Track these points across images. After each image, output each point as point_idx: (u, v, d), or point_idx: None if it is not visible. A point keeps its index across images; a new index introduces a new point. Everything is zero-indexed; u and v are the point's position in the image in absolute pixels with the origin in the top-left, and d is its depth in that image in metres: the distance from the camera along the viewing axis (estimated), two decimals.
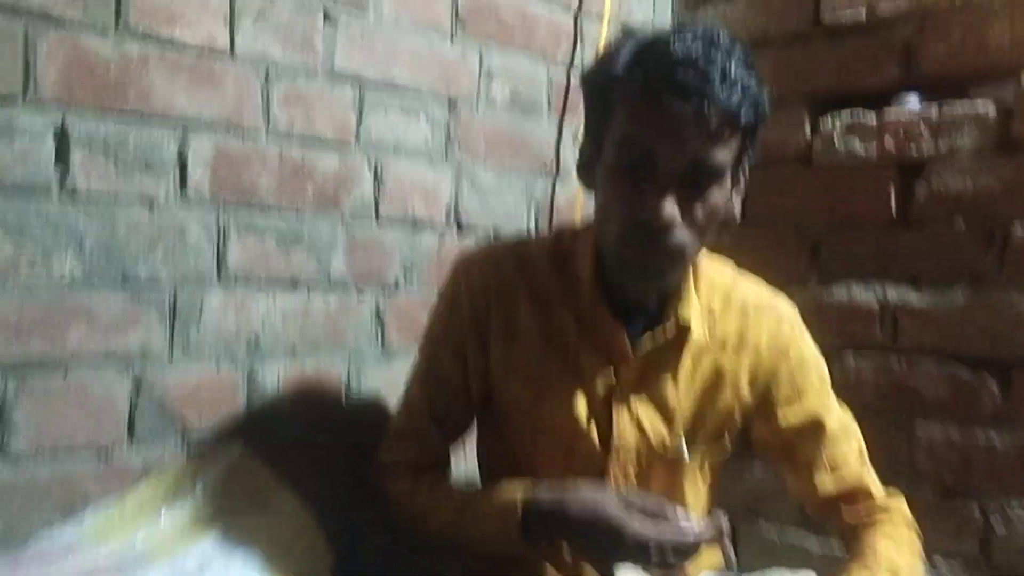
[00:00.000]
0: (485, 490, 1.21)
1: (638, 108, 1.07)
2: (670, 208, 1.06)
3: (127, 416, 1.27)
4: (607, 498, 1.11)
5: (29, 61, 1.16)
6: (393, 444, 1.29)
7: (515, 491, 1.15)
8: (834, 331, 1.73)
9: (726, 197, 1.12)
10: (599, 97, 1.14)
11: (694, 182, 1.08)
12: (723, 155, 1.07)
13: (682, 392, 1.23)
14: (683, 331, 1.21)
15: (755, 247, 1.78)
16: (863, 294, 1.77)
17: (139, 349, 1.27)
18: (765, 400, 1.27)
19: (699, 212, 1.09)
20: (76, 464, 1.22)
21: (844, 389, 1.60)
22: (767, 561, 1.50)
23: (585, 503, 1.10)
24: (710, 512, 1.36)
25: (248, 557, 1.16)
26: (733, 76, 1.04)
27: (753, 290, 1.29)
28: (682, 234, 1.09)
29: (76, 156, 1.21)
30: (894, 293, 1.73)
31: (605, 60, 1.13)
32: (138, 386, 1.27)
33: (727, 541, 1.13)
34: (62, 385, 1.20)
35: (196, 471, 1.28)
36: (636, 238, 1.10)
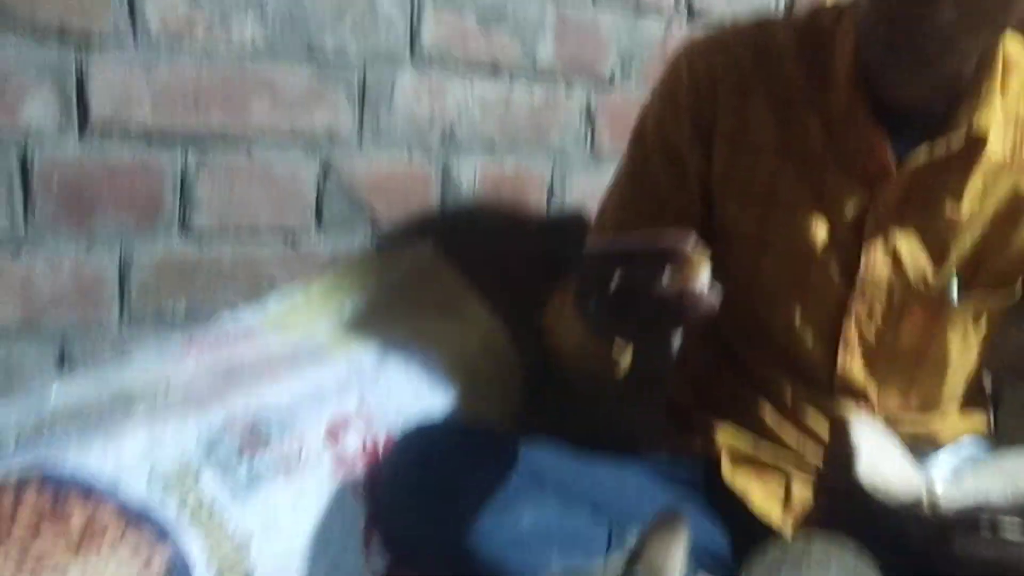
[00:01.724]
0: None
1: None
2: None
3: (314, 201, 1.18)
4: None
5: None
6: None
7: None
8: None
9: None
10: None
11: None
12: None
13: (963, 221, 0.98)
14: (975, 144, 0.96)
15: None
16: None
17: (326, 130, 1.17)
18: None
19: None
20: (261, 247, 1.16)
21: None
22: None
23: None
24: (979, 373, 1.12)
25: (431, 360, 1.07)
26: None
27: None
28: (949, 12, 0.84)
29: None
30: None
31: None
32: (326, 170, 1.18)
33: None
34: (245, 162, 1.13)
35: (384, 266, 1.20)
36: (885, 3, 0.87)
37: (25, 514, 0.73)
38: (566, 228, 1.36)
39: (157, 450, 0.83)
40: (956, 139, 0.95)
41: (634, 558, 0.71)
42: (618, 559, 0.70)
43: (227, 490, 0.84)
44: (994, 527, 0.83)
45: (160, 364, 0.98)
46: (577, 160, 1.37)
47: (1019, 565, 0.82)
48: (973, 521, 0.84)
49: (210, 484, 0.83)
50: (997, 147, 0.96)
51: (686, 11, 1.42)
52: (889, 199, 0.98)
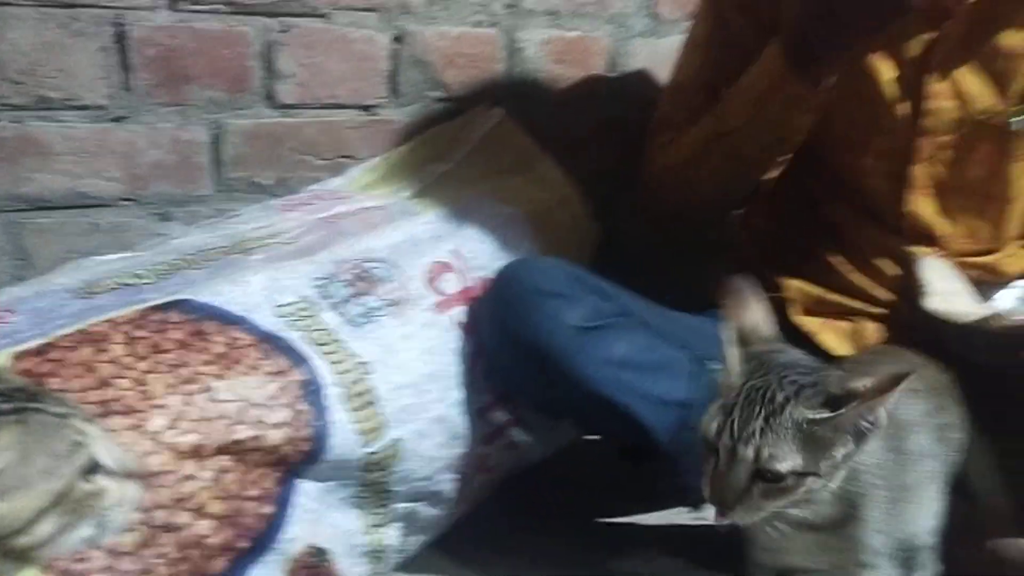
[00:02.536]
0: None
1: None
2: None
3: (389, 70, 1.22)
4: None
5: None
6: (660, 140, 1.15)
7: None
8: None
9: None
10: None
11: None
12: None
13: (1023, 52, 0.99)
14: None
15: None
16: None
17: (398, 1, 1.20)
18: None
19: None
20: (342, 117, 1.20)
21: None
22: None
23: None
24: None
25: (512, 213, 1.12)
26: None
27: None
28: None
29: None
30: None
31: None
32: (399, 40, 1.21)
33: None
34: (324, 33, 1.16)
35: (458, 132, 1.23)
36: None
37: (174, 334, 0.79)
38: (628, 94, 1.38)
39: (278, 290, 0.89)
40: None
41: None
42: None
43: (344, 324, 0.90)
44: None
45: (265, 219, 1.03)
46: (638, 27, 1.38)
47: None
48: None
49: (329, 319, 0.90)
50: None
51: None
52: (952, 34, 1.00)
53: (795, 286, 1.12)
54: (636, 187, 1.20)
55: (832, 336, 1.09)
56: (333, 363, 0.86)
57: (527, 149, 1.22)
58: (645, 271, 1.36)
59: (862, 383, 0.66)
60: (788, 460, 0.65)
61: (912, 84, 1.02)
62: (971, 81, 1.01)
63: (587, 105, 1.36)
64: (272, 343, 0.84)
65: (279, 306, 0.88)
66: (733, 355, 0.70)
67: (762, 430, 0.66)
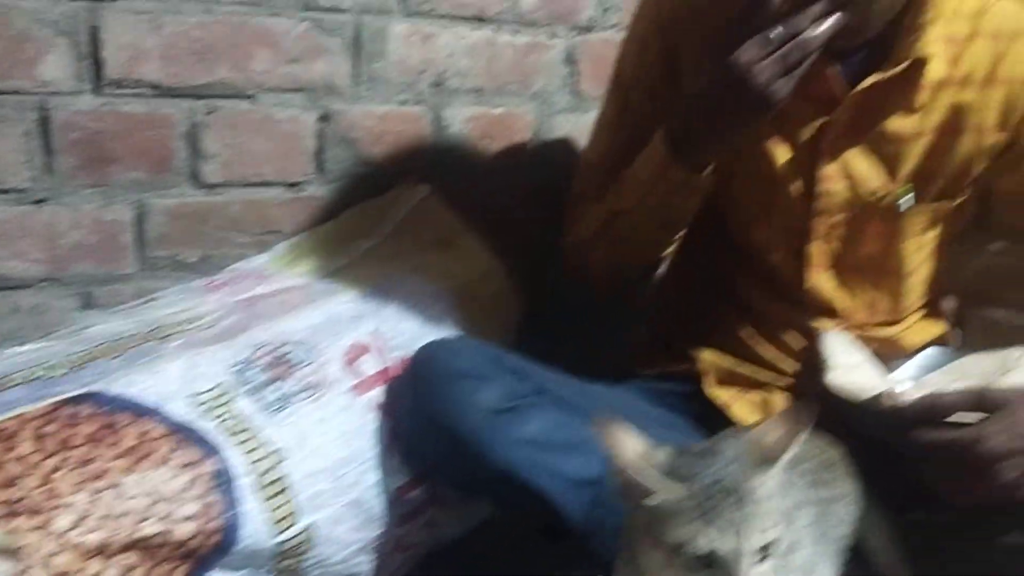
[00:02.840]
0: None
1: None
2: None
3: (315, 149, 1.25)
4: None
5: None
6: (575, 213, 1.19)
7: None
8: None
9: None
10: None
11: None
12: None
13: (909, 136, 1.05)
14: (916, 65, 1.02)
15: None
16: None
17: (324, 81, 1.23)
18: (1017, 144, 1.06)
19: None
20: (267, 195, 1.22)
21: None
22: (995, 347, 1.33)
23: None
24: (939, 283, 1.21)
25: (434, 291, 1.14)
26: None
27: (1012, 11, 1.05)
28: None
29: None
30: None
31: None
32: (325, 120, 1.24)
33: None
34: (250, 114, 1.19)
35: (383, 208, 1.26)
36: None
37: (85, 428, 0.80)
38: (553, 163, 1.42)
39: (194, 377, 0.91)
40: (899, 62, 1.01)
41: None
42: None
43: (260, 411, 0.91)
44: (945, 413, 0.92)
45: (186, 302, 1.04)
46: (561, 102, 1.43)
47: (972, 447, 0.90)
48: (927, 410, 0.92)
49: (244, 405, 0.91)
50: (936, 65, 1.02)
51: None
52: (841, 120, 1.05)
53: (707, 358, 1.16)
54: (562, 254, 1.24)
55: (743, 408, 1.13)
56: (247, 452, 0.87)
57: (451, 224, 1.26)
58: (570, 337, 1.40)
59: (771, 440, 0.72)
60: (772, 528, 0.69)
61: (805, 166, 1.07)
62: (860, 164, 1.06)
63: (513, 176, 1.40)
64: (185, 433, 0.85)
65: (195, 394, 0.89)
66: (650, 474, 0.71)
67: (746, 517, 0.68)
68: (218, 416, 0.89)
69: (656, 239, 1.17)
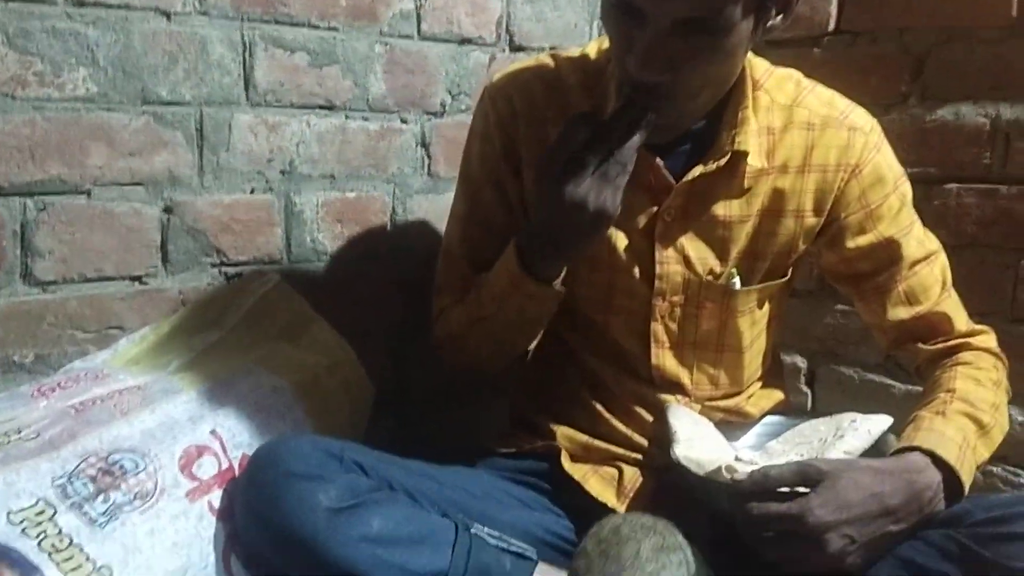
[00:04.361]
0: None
1: None
2: (656, 64, 0.96)
3: (159, 241, 1.23)
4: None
5: None
6: (440, 306, 1.22)
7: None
8: (936, 156, 1.54)
9: (740, 35, 0.97)
10: None
11: (688, 32, 0.94)
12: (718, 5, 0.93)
13: (735, 220, 1.12)
14: (738, 156, 1.09)
15: (850, 62, 1.59)
16: (972, 114, 1.56)
17: (167, 173, 1.22)
18: (833, 224, 1.14)
19: (702, 58, 0.97)
20: (108, 290, 1.19)
21: (943, 220, 1.45)
22: (846, 404, 1.39)
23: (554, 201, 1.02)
24: (774, 354, 1.26)
25: (281, 384, 1.12)
26: None
27: (821, 103, 1.13)
28: (679, 84, 0.99)
29: None
30: (1008, 112, 1.52)
31: None
32: (169, 212, 1.23)
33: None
34: (86, 209, 1.16)
35: (231, 298, 1.24)
36: (630, 83, 1.01)
37: None
38: (410, 246, 1.43)
39: (13, 495, 0.87)
40: (721, 155, 1.08)
41: None
42: None
43: (85, 526, 0.88)
44: (775, 486, 0.95)
45: (11, 410, 1.00)
46: (416, 185, 1.45)
47: (799, 519, 0.93)
48: (758, 483, 0.96)
49: (67, 522, 0.87)
50: (756, 156, 1.09)
51: (507, 43, 1.52)
52: (672, 207, 1.11)
53: (564, 433, 1.19)
54: (427, 336, 1.24)
55: (597, 483, 1.15)
56: (69, 571, 0.84)
57: (301, 313, 1.25)
58: (431, 418, 1.40)
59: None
60: None
61: (643, 251, 1.12)
62: (694, 247, 1.12)
63: (368, 259, 1.40)
64: (1, 555, 0.81)
65: (13, 512, 0.85)
66: None
67: None
68: (38, 535, 0.85)
69: (518, 340, 1.20)
